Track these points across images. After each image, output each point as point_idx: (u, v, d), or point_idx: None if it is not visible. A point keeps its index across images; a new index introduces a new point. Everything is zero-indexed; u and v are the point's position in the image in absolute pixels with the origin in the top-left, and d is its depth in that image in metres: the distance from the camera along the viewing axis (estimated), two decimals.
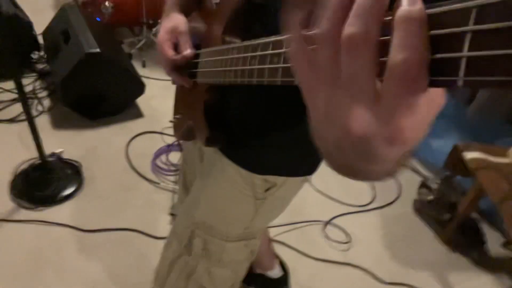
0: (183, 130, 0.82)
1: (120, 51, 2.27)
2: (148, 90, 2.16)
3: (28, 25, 2.25)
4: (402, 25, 0.21)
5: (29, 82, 2.24)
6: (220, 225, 0.76)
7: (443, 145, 1.97)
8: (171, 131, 1.97)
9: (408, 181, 2.02)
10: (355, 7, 0.23)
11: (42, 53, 2.40)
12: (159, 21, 2.69)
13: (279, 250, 1.55)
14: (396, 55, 0.22)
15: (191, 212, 0.80)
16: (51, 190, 1.63)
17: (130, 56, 2.49)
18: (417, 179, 2.04)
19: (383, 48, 0.23)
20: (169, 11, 0.73)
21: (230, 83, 0.51)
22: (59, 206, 1.61)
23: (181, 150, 1.17)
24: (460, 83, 0.20)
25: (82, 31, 1.96)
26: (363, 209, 1.84)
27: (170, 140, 2.00)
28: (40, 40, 2.37)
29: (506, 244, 1.77)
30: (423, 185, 1.96)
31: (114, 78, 1.98)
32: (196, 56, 0.70)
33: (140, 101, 2.22)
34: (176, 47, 0.72)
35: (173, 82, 0.81)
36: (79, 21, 2.05)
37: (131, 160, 1.88)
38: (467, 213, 1.66)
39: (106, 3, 2.46)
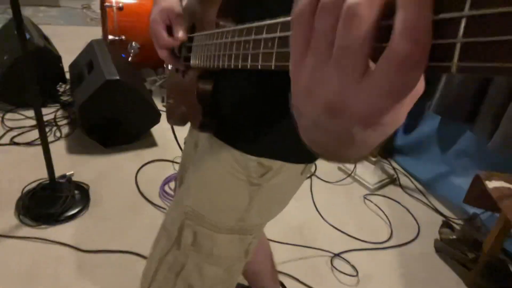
0: (176, 115, 0.80)
1: (139, 82, 2.35)
2: (164, 123, 2.19)
3: (57, 58, 2.39)
4: (412, 6, 0.20)
5: (51, 112, 2.33)
6: (211, 213, 0.71)
7: (464, 183, 1.86)
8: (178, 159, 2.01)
9: (428, 220, 1.91)
10: None
11: (67, 86, 2.52)
12: None
13: (284, 281, 1.44)
14: (400, 40, 0.20)
15: (182, 201, 0.75)
16: (55, 209, 1.61)
17: (150, 92, 2.57)
18: (437, 218, 1.93)
19: (382, 27, 0.22)
20: None
21: (224, 67, 0.50)
22: (62, 226, 1.58)
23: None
24: (453, 69, 0.20)
25: (105, 62, 2.06)
26: (379, 246, 1.72)
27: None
28: (67, 75, 2.50)
29: None
30: (445, 224, 1.83)
31: (131, 106, 2.03)
32: (190, 39, 0.68)
33: (156, 132, 2.26)
34: (170, 29, 0.71)
35: (166, 64, 0.80)
36: (104, 54, 2.16)
37: (140, 185, 1.86)
38: (493, 253, 1.52)
39: (133, 43, 2.61)
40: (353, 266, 1.58)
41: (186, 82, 0.73)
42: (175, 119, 0.82)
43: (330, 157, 0.33)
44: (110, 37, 2.59)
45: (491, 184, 1.40)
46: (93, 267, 1.43)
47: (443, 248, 1.71)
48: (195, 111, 0.66)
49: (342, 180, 2.12)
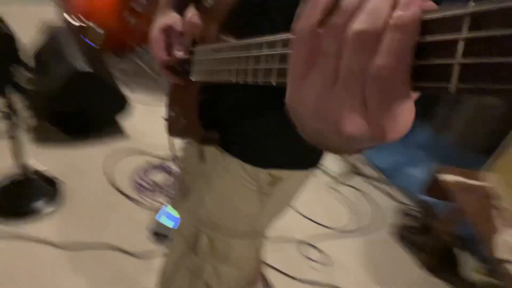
0: (178, 128, 0.80)
1: (106, 70, 2.30)
2: (135, 115, 2.18)
3: (9, 38, 2.25)
4: (391, 31, 0.22)
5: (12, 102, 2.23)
6: (226, 222, 0.75)
7: (420, 173, 2.04)
8: (154, 152, 2.02)
9: (389, 208, 2.07)
10: (368, 5, 0.23)
11: (30, 74, 2.39)
12: (147, 48, 2.76)
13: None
14: (378, 60, 0.22)
15: (196, 210, 0.78)
16: (28, 206, 1.59)
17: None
18: (398, 206, 2.10)
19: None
20: (165, 8, 0.73)
21: (225, 82, 0.50)
22: (36, 223, 1.56)
23: (175, 162, 1.15)
24: (452, 90, 0.20)
25: (72, 50, 1.99)
26: (344, 234, 1.86)
27: (153, 160, 2.00)
28: (30, 61, 2.37)
29: (479, 269, 1.81)
30: (405, 212, 2.01)
31: (99, 95, 2.00)
32: (191, 53, 0.68)
33: (126, 124, 2.24)
34: (169, 46, 0.71)
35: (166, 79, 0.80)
36: (69, 41, 2.08)
37: (113, 178, 1.86)
38: (444, 238, 1.70)
39: (97, 29, 2.52)
40: (321, 251, 1.71)
41: (187, 96, 0.73)
42: (177, 132, 0.83)
43: (330, 152, 0.34)
44: (73, 22, 2.49)
45: (448, 178, 1.55)
46: (72, 264, 1.43)
47: (401, 234, 1.88)
48: (196, 124, 0.67)
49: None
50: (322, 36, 0.25)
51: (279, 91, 0.59)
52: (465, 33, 0.19)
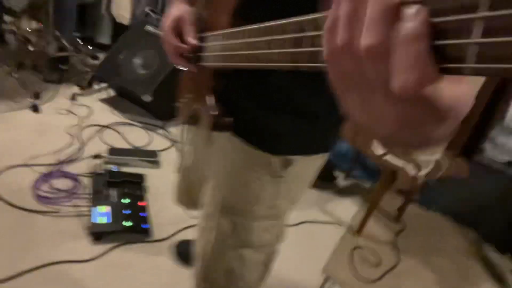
0: (189, 114, 0.81)
1: None
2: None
3: None
4: (402, 45, 0.22)
5: None
6: (245, 205, 0.77)
7: None
8: (35, 161, 1.80)
9: None
10: (366, 20, 0.23)
11: None
12: None
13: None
14: (395, 79, 0.23)
15: (215, 196, 0.80)
16: None
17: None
18: None
19: None
20: (176, 1, 0.76)
21: (237, 67, 0.50)
22: None
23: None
24: (467, 71, 0.20)
25: None
26: None
27: (42, 169, 1.79)
28: None
29: (346, 176, 2.41)
30: None
31: None
32: (203, 39, 0.69)
33: None
34: (181, 35, 0.73)
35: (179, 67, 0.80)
36: None
37: (10, 198, 1.59)
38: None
39: None
40: None
41: (199, 82, 0.74)
42: (188, 119, 0.84)
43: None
44: None
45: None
46: None
47: None
48: (209, 111, 0.67)
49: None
50: (341, 57, 0.26)
51: (295, 76, 0.58)
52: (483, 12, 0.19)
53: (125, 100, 2.59)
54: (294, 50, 0.34)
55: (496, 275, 1.94)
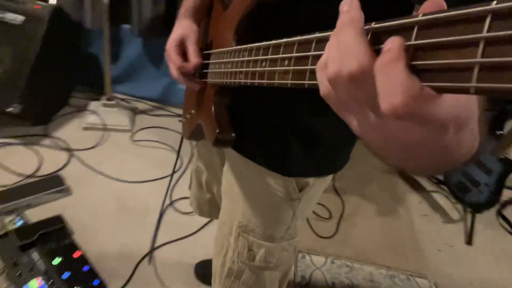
0: (193, 129, 0.80)
1: None
2: None
3: None
4: (379, 70, 0.24)
5: None
6: (262, 227, 0.77)
7: None
8: None
9: None
10: (343, 48, 0.26)
11: None
12: None
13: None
14: (382, 104, 0.24)
15: (234, 216, 0.79)
16: None
17: None
18: None
19: None
20: (181, 18, 0.76)
21: (240, 84, 0.52)
22: None
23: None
24: (472, 90, 0.20)
25: None
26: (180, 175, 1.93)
27: None
28: None
29: None
30: None
31: None
32: (207, 56, 0.70)
33: None
34: (185, 54, 0.73)
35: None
36: None
37: None
38: None
39: None
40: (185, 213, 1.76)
41: (202, 98, 0.73)
42: (191, 135, 0.84)
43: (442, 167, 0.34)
44: None
45: None
46: None
47: None
48: (211, 126, 0.67)
49: (102, 139, 2.01)
50: (334, 87, 0.28)
51: (303, 97, 0.62)
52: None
53: None
54: (296, 68, 0.36)
55: (414, 182, 2.24)
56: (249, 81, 0.48)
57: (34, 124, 1.95)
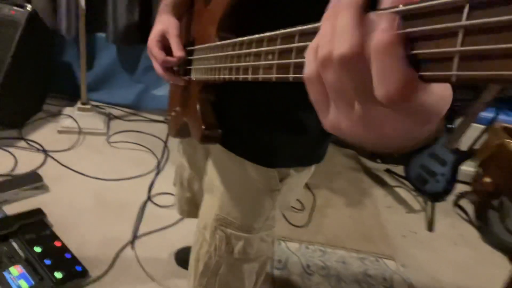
0: (178, 127, 0.79)
1: None
2: None
3: None
4: (377, 57, 0.22)
5: None
6: (241, 219, 0.76)
7: (164, 91, 2.31)
8: None
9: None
10: (338, 29, 0.25)
11: None
12: None
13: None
14: (377, 89, 0.23)
15: (211, 210, 0.78)
16: None
17: None
18: None
19: None
20: (161, 13, 0.73)
21: (225, 80, 0.52)
22: None
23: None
24: (453, 79, 0.20)
25: None
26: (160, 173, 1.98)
27: None
28: None
29: None
30: None
31: None
32: (190, 53, 0.69)
33: None
34: (167, 49, 0.71)
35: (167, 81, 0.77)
36: None
37: None
38: None
39: None
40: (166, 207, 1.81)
41: (187, 95, 0.73)
42: (177, 132, 0.82)
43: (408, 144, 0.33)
44: None
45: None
46: None
47: None
48: (197, 123, 0.67)
49: (77, 141, 2.03)
50: (321, 73, 0.27)
51: (286, 90, 0.62)
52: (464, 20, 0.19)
53: None
54: (280, 62, 0.36)
55: (378, 178, 2.40)
56: (233, 76, 0.47)
57: (7, 127, 1.95)
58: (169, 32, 0.70)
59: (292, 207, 1.94)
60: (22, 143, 1.92)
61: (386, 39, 0.22)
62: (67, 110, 2.17)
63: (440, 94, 0.25)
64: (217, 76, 0.54)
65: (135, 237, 1.54)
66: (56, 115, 2.17)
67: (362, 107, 0.26)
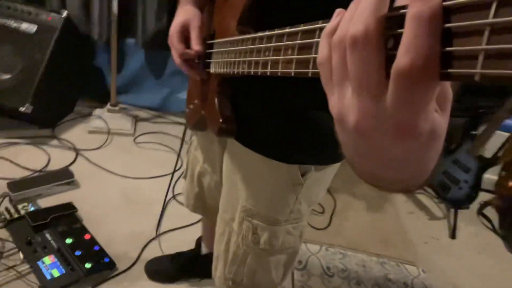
0: (196, 120, 0.80)
1: None
2: None
3: None
4: (411, 24, 0.21)
5: None
6: (266, 210, 0.77)
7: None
8: None
9: None
10: (358, 9, 0.25)
11: None
12: None
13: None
14: (401, 56, 0.22)
15: (237, 202, 0.79)
16: None
17: None
18: None
19: (395, 43, 0.24)
20: (183, 4, 0.73)
21: (243, 74, 0.51)
22: None
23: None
24: (477, 77, 0.19)
25: None
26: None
27: None
28: None
29: None
30: None
31: None
32: (210, 46, 0.69)
33: None
34: (187, 40, 0.71)
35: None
36: None
37: None
38: None
39: None
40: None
41: (206, 88, 0.74)
42: (195, 125, 0.82)
43: (391, 186, 0.32)
44: None
45: None
46: None
47: None
48: (215, 116, 0.67)
49: (106, 141, 2.12)
50: (332, 54, 0.27)
51: (305, 86, 0.59)
52: (491, 19, 0.18)
53: None
54: (299, 57, 0.36)
55: None
56: (252, 70, 0.47)
57: (42, 126, 2.05)
58: (191, 24, 0.71)
59: (312, 209, 1.96)
60: (55, 142, 2.02)
61: (430, 7, 0.21)
62: (97, 111, 2.27)
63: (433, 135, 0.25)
64: (236, 70, 0.54)
65: (158, 234, 1.59)
66: (87, 116, 2.27)
67: (356, 96, 0.26)
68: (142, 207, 1.74)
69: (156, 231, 1.61)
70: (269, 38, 0.42)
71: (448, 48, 0.21)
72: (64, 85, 2.15)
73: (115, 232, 1.55)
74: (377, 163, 0.28)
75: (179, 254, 1.45)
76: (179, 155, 1.50)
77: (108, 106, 2.24)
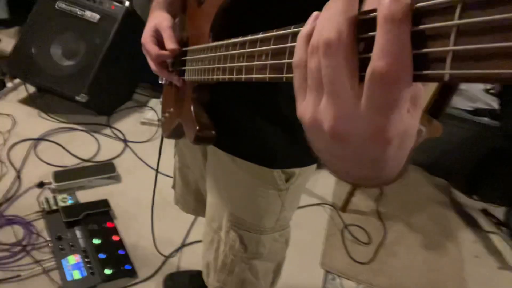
0: (172, 128, 0.78)
1: None
2: None
3: None
4: (385, 26, 0.22)
5: None
6: (252, 219, 0.77)
7: None
8: None
9: None
10: (328, 13, 0.25)
11: None
12: None
13: None
14: (377, 60, 0.22)
15: (223, 211, 0.79)
16: None
17: None
18: None
19: (367, 45, 0.24)
20: (153, 10, 0.74)
21: (218, 80, 0.51)
22: None
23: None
24: (446, 77, 0.20)
25: None
26: None
27: None
28: None
29: None
30: None
31: None
32: (184, 53, 0.68)
33: None
34: (162, 44, 0.70)
35: (161, 80, 0.80)
36: None
37: None
38: None
39: None
40: None
41: (181, 96, 0.72)
42: (171, 133, 0.81)
43: (366, 182, 0.33)
44: None
45: None
46: None
47: None
48: (191, 124, 0.66)
49: (155, 134, 2.12)
50: (309, 60, 0.27)
51: (283, 90, 0.60)
52: (456, 20, 0.19)
53: (51, 95, 2.16)
54: (273, 62, 0.35)
55: (470, 218, 2.07)
56: (227, 77, 0.47)
57: (98, 113, 2.11)
58: (162, 26, 0.69)
59: (356, 238, 1.77)
60: (107, 131, 2.06)
61: (399, 8, 0.21)
62: (152, 102, 2.27)
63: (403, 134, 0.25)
64: (210, 77, 0.53)
65: (183, 245, 1.55)
66: (142, 106, 2.29)
67: (332, 100, 0.26)
68: (177, 212, 1.70)
69: (184, 240, 1.57)
70: (243, 44, 0.42)
71: (419, 50, 0.22)
72: (123, 74, 2.18)
73: (143, 235, 1.54)
74: (353, 164, 0.29)
75: (199, 273, 1.39)
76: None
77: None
